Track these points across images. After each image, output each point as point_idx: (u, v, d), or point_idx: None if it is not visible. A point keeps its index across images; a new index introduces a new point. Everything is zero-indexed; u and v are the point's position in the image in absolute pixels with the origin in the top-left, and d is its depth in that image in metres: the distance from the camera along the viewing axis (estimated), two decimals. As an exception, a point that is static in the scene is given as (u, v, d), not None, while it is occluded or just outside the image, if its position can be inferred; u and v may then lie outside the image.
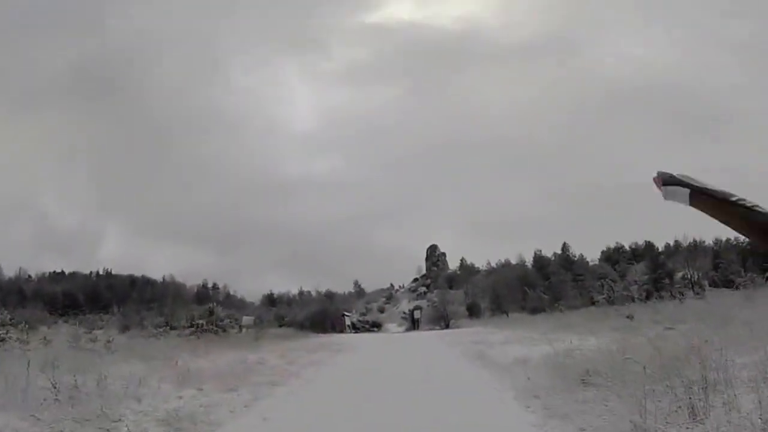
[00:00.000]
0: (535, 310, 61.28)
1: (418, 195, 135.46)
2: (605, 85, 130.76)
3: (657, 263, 68.86)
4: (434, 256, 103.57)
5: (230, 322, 41.65)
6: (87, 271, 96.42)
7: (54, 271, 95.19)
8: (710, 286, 66.99)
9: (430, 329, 58.46)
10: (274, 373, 15.88)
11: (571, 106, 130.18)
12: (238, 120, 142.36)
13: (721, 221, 1.38)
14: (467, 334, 37.84)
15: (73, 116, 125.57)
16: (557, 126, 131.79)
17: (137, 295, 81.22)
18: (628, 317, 25.81)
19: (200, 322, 38.96)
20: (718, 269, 70.62)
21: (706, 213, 1.39)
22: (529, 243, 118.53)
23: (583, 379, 10.57)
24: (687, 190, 1.38)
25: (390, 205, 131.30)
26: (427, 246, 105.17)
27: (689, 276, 66.72)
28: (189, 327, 38.56)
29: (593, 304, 62.07)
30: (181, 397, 11.68)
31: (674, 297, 60.56)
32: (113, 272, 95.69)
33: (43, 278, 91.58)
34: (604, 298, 64.73)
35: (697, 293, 61.40)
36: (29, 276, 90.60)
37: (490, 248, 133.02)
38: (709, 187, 1.40)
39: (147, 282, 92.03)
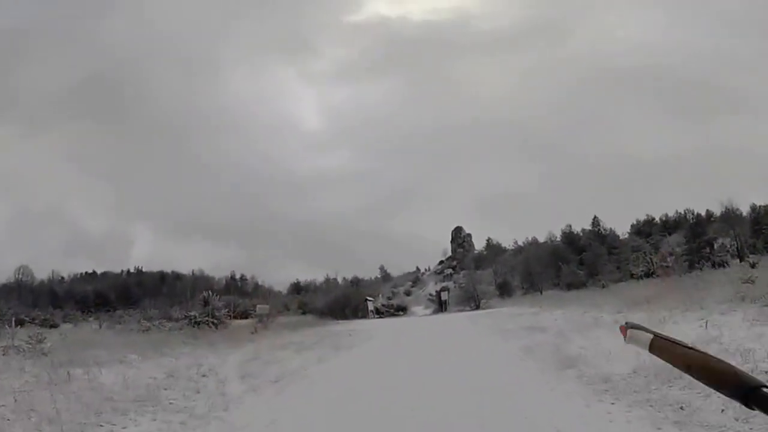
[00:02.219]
0: (570, 286, 52.85)
1: (431, 181, 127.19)
2: (601, 67, 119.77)
3: (695, 232, 58.99)
4: (459, 237, 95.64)
5: (227, 312, 33.32)
6: (118, 271, 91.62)
7: (86, 272, 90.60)
8: (752, 253, 57.72)
9: (460, 311, 50.22)
10: (177, 409, 7.45)
11: (568, 89, 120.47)
12: (247, 122, 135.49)
13: (676, 365, 1.22)
14: (507, 316, 29.15)
15: (86, 126, 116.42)
16: (558, 109, 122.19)
17: (168, 290, 74.18)
18: (748, 281, 16.50)
19: (193, 314, 30.88)
20: (760, 235, 61.13)
21: (663, 358, 1.26)
22: (549, 223, 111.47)
23: None
24: (650, 335, 1.29)
25: (406, 191, 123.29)
26: (452, 228, 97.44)
27: (736, 243, 57.04)
28: (183, 319, 30.78)
29: (632, 277, 53.19)
30: None
31: (717, 266, 51.76)
32: (144, 270, 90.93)
33: (75, 279, 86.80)
34: (642, 271, 55.73)
35: (743, 260, 52.31)
36: (62, 278, 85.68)
37: (512, 229, 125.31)
38: (670, 337, 1.29)
39: (176, 277, 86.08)
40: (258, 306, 45.75)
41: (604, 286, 44.99)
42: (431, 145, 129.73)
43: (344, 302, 56.23)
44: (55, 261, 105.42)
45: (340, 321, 44.88)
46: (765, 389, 0.96)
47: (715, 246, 56.97)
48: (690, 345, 1.17)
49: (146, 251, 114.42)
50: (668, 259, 59.01)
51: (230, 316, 38.20)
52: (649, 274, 53.35)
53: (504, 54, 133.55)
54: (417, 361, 14.47)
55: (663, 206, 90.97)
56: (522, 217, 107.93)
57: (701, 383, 1.10)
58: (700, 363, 1.09)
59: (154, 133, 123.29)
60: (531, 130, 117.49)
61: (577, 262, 62.14)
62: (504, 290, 58.79)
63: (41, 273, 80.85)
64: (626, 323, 1.33)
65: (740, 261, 52.28)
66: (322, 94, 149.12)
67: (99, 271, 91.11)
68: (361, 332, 27.17)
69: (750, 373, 1.01)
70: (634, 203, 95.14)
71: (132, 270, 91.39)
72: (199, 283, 73.67)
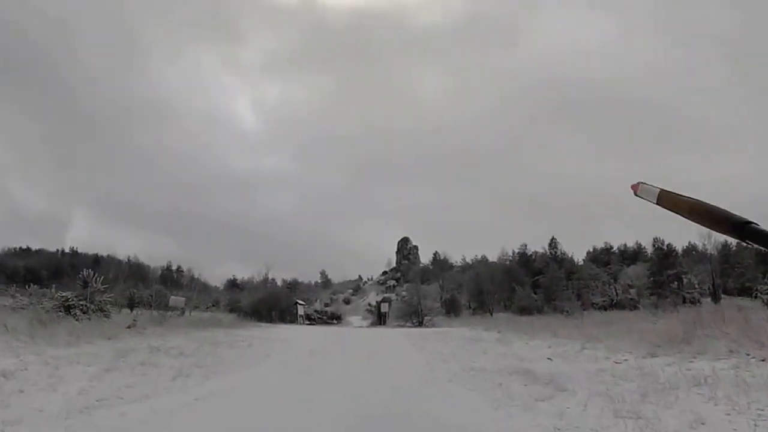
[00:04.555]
0: (524, 310, 45.98)
1: (373, 187, 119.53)
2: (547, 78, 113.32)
3: (663, 265, 52.98)
4: (405, 249, 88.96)
5: (113, 300, 25.99)
6: (54, 249, 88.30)
7: (20, 248, 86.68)
8: (723, 293, 52.30)
9: (399, 326, 42.85)
10: None
11: (510, 98, 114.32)
12: (172, 114, 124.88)
13: (680, 213, 1.35)
14: (463, 340, 21.90)
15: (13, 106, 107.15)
16: (499, 119, 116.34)
17: (101, 273, 68.05)
18: None
19: (66, 294, 23.76)
20: (731, 276, 55.89)
21: (669, 208, 1.39)
22: (499, 242, 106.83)
23: None
24: (657, 189, 1.42)
25: (349, 197, 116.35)
26: (398, 239, 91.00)
27: (711, 280, 51.40)
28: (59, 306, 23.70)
29: (593, 306, 47.06)
30: None
31: (690, 303, 45.91)
32: (79, 251, 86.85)
33: (9, 253, 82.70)
34: (604, 301, 49.63)
35: (718, 300, 46.68)
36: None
37: (459, 245, 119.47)
38: (673, 191, 1.43)
39: (111, 261, 78.92)
40: (172, 298, 39.47)
41: (568, 313, 38.35)
42: (370, 149, 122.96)
43: (271, 303, 48.72)
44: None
45: (262, 324, 38.50)
46: (752, 224, 1.10)
47: (684, 281, 51.13)
48: (689, 195, 1.30)
49: (83, 234, 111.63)
50: (630, 291, 53.39)
51: (151, 305, 31.80)
52: (612, 305, 47.49)
53: (446, 54, 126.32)
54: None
55: (615, 236, 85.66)
56: (470, 234, 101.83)
57: (702, 225, 1.22)
58: (700, 208, 1.22)
59: (89, 115, 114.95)
60: (473, 140, 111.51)
61: (531, 285, 55.77)
62: (451, 308, 51.58)
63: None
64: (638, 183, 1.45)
65: (714, 301, 46.75)
66: (252, 88, 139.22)
67: (34, 248, 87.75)
68: (267, 343, 19.61)
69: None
70: (585, 230, 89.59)
71: (67, 250, 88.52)
72: (133, 269, 71.54)
